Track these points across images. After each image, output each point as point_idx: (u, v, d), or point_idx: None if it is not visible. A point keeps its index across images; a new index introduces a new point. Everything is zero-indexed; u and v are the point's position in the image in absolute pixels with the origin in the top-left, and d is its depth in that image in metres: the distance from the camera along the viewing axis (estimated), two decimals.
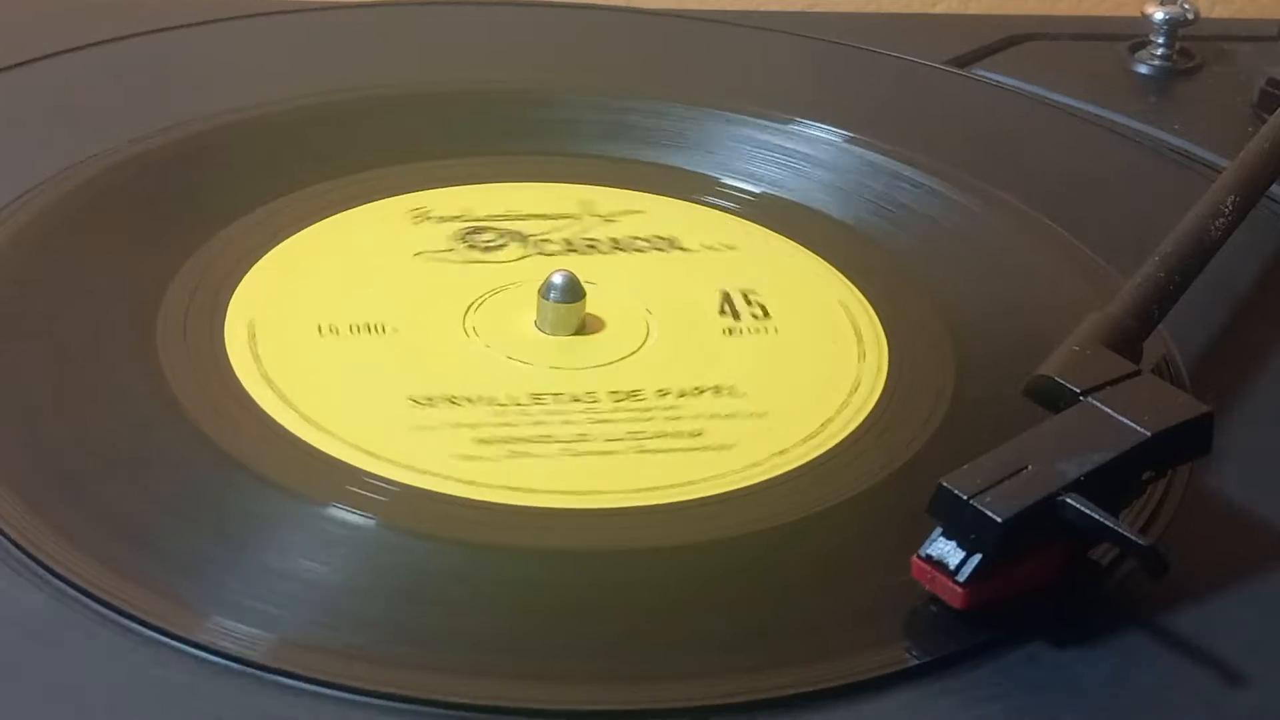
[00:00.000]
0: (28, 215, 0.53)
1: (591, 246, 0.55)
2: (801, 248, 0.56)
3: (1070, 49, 0.71)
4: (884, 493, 0.46)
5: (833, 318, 0.53)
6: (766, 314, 0.53)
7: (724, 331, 0.52)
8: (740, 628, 0.41)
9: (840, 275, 0.55)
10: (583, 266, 0.53)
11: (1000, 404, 0.46)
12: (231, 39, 0.66)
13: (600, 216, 0.57)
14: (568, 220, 0.56)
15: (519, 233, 0.56)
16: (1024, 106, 0.66)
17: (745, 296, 0.54)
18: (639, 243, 0.56)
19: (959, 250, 0.56)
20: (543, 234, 0.56)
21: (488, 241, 0.55)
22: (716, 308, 0.53)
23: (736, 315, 0.53)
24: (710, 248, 0.56)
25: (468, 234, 0.55)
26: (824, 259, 0.56)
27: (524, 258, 0.54)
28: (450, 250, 0.55)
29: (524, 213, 0.57)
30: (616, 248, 0.55)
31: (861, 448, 0.47)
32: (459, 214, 0.56)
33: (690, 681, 0.39)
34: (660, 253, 0.55)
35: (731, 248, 0.56)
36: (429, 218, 0.56)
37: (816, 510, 0.45)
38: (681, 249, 0.56)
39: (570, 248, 0.55)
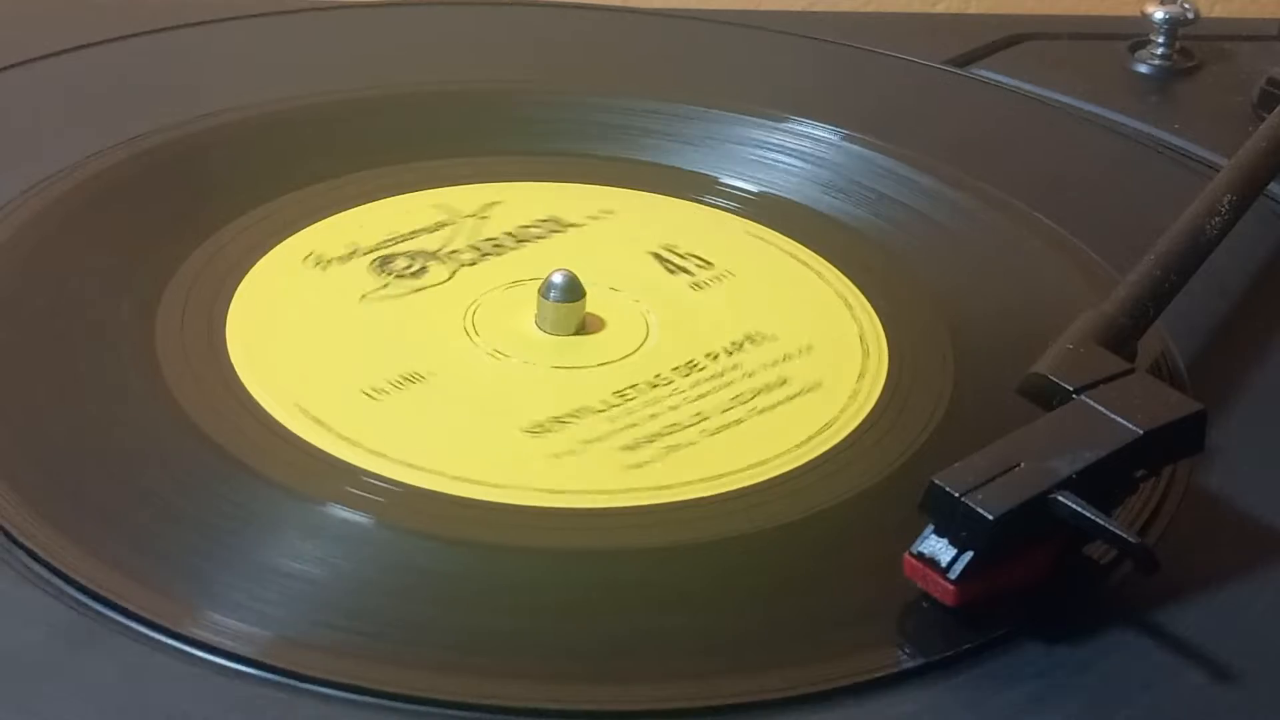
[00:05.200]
0: (28, 214, 0.53)
1: (497, 246, 0.55)
2: (801, 247, 0.56)
3: (1070, 49, 0.71)
4: (884, 492, 0.46)
5: (832, 317, 0.53)
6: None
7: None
8: (737, 628, 0.41)
9: (840, 275, 0.55)
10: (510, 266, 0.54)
11: (1000, 404, 0.46)
12: (230, 39, 0.66)
13: (472, 216, 0.56)
14: (446, 226, 0.56)
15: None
16: (1024, 106, 0.66)
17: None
18: (530, 231, 0.56)
19: (959, 249, 0.57)
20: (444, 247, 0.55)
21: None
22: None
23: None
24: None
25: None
26: (824, 258, 0.56)
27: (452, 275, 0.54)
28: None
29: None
30: (517, 240, 0.55)
31: (861, 447, 0.47)
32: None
33: (686, 682, 0.39)
34: (558, 234, 0.55)
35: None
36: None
37: (816, 510, 0.45)
38: (570, 224, 0.56)
39: (481, 252, 0.55)
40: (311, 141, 0.59)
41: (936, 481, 0.40)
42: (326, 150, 0.59)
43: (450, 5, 0.71)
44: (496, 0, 0.72)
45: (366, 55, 0.66)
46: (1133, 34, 0.71)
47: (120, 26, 0.66)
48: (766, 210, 0.58)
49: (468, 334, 0.51)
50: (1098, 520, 0.39)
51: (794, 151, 0.61)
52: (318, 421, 0.47)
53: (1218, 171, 0.55)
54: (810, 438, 0.48)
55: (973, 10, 0.86)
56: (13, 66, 0.62)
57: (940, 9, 0.87)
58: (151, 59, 0.64)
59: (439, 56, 0.66)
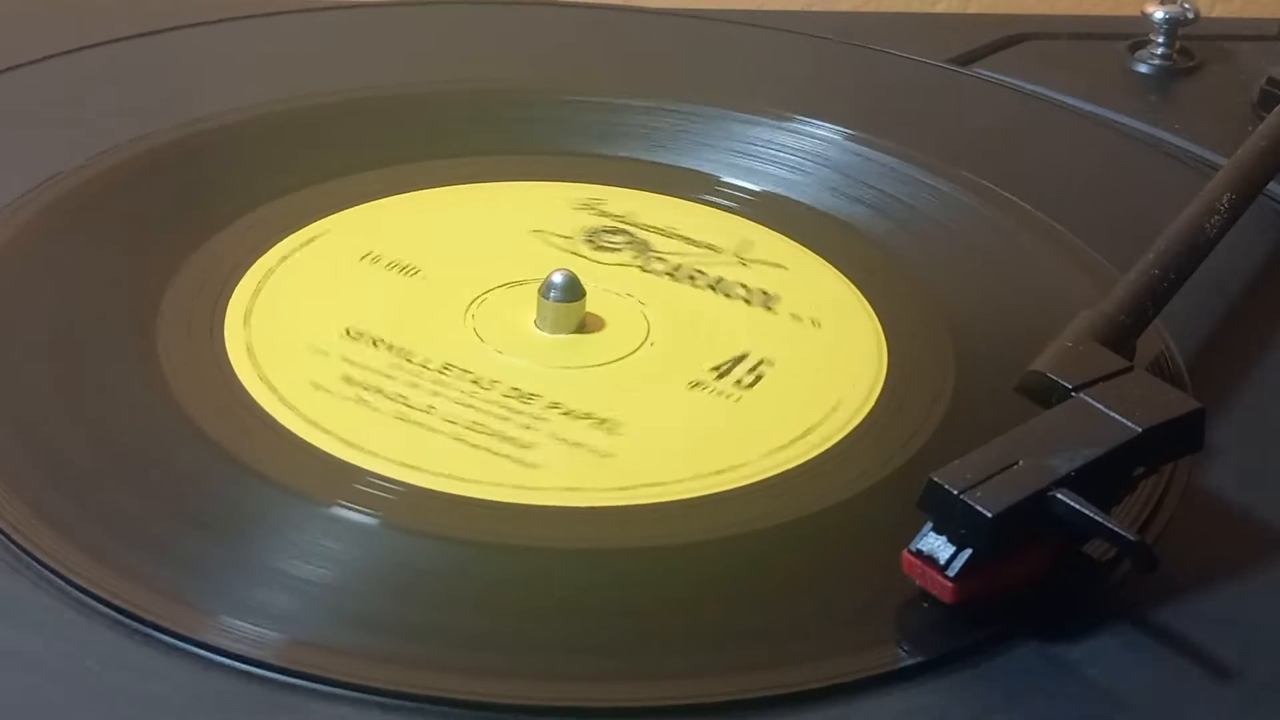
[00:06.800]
0: (29, 214, 0.53)
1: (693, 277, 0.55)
2: (801, 246, 0.56)
3: (1070, 48, 0.72)
4: (883, 492, 0.46)
5: (832, 317, 0.53)
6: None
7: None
8: (736, 627, 0.41)
9: (840, 274, 0.55)
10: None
11: (1000, 404, 0.46)
12: (230, 40, 0.66)
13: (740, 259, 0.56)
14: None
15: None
16: (1024, 106, 0.66)
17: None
18: (739, 289, 0.54)
19: (959, 249, 0.57)
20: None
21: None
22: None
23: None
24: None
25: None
26: (824, 258, 0.56)
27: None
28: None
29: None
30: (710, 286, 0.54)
31: (860, 447, 0.47)
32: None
33: (686, 680, 0.39)
34: (747, 304, 0.53)
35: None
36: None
37: (815, 510, 0.45)
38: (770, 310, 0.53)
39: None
40: (313, 142, 0.59)
41: (935, 479, 0.40)
42: (328, 150, 0.59)
43: (449, 5, 0.72)
44: (497, 0, 0.72)
45: (367, 56, 0.66)
46: (1133, 34, 0.71)
47: (120, 28, 0.66)
48: (767, 209, 0.58)
49: (466, 331, 0.51)
50: (1096, 518, 0.39)
51: (794, 150, 0.61)
52: (316, 424, 0.47)
53: (1218, 171, 0.55)
54: (810, 436, 0.48)
55: (973, 10, 0.86)
56: (13, 69, 0.62)
57: (940, 9, 0.87)
58: (151, 60, 0.64)
59: (439, 57, 0.66)
